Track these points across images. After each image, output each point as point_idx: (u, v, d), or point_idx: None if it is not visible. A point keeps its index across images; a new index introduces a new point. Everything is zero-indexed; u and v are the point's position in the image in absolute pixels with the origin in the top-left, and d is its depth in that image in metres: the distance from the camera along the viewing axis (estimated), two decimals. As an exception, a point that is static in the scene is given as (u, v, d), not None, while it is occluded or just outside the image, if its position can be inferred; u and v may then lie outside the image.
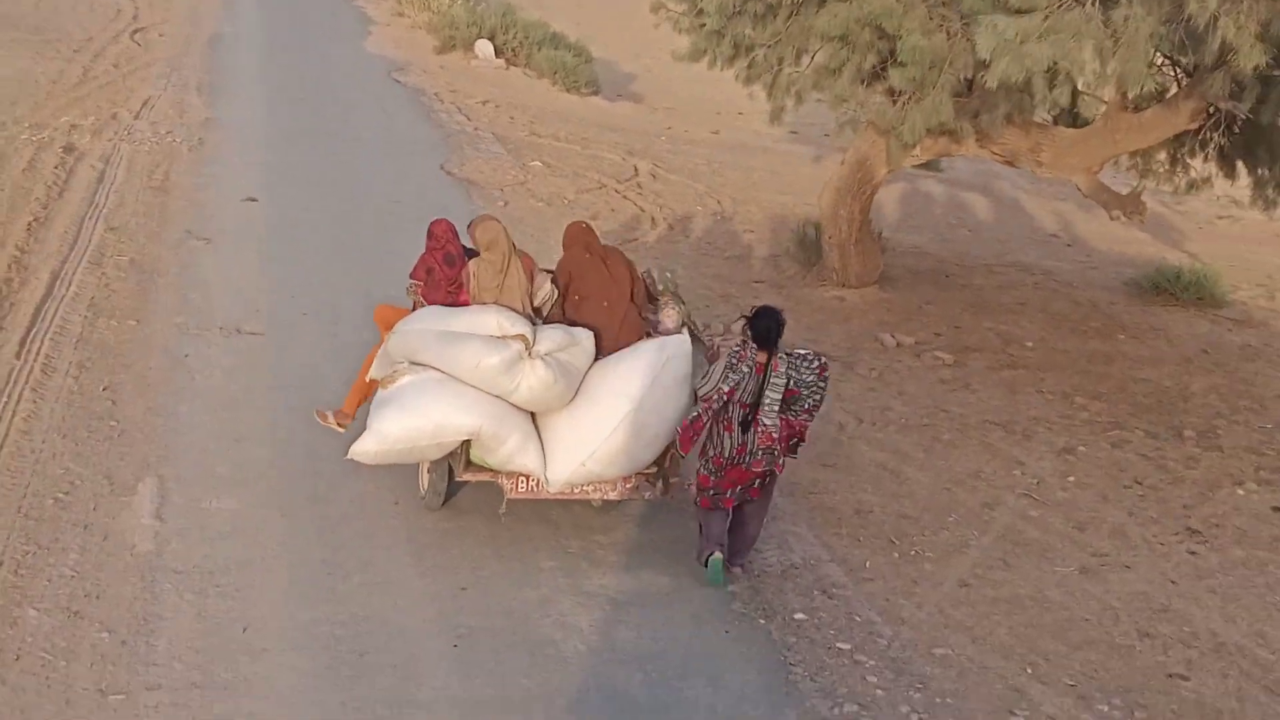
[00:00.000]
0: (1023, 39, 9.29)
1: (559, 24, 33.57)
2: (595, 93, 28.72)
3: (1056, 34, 9.30)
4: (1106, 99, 13.39)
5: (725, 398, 8.73)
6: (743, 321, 9.04)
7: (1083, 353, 14.18)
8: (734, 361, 8.76)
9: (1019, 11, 9.67)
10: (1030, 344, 14.28)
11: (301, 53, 28.82)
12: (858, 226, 15.00)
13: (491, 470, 9.15)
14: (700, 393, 8.89)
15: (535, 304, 9.66)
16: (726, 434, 8.81)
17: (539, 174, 20.01)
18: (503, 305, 9.38)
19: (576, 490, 9.21)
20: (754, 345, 8.78)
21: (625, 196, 19.27)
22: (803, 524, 10.03)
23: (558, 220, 17.27)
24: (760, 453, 8.76)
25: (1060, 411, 12.58)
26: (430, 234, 9.92)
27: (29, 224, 14.76)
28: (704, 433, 8.88)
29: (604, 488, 9.27)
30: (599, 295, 9.59)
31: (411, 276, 9.98)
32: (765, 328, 8.80)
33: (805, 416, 8.93)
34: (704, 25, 13.43)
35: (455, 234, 9.88)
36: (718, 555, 8.92)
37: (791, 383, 8.78)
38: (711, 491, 8.94)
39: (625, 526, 9.71)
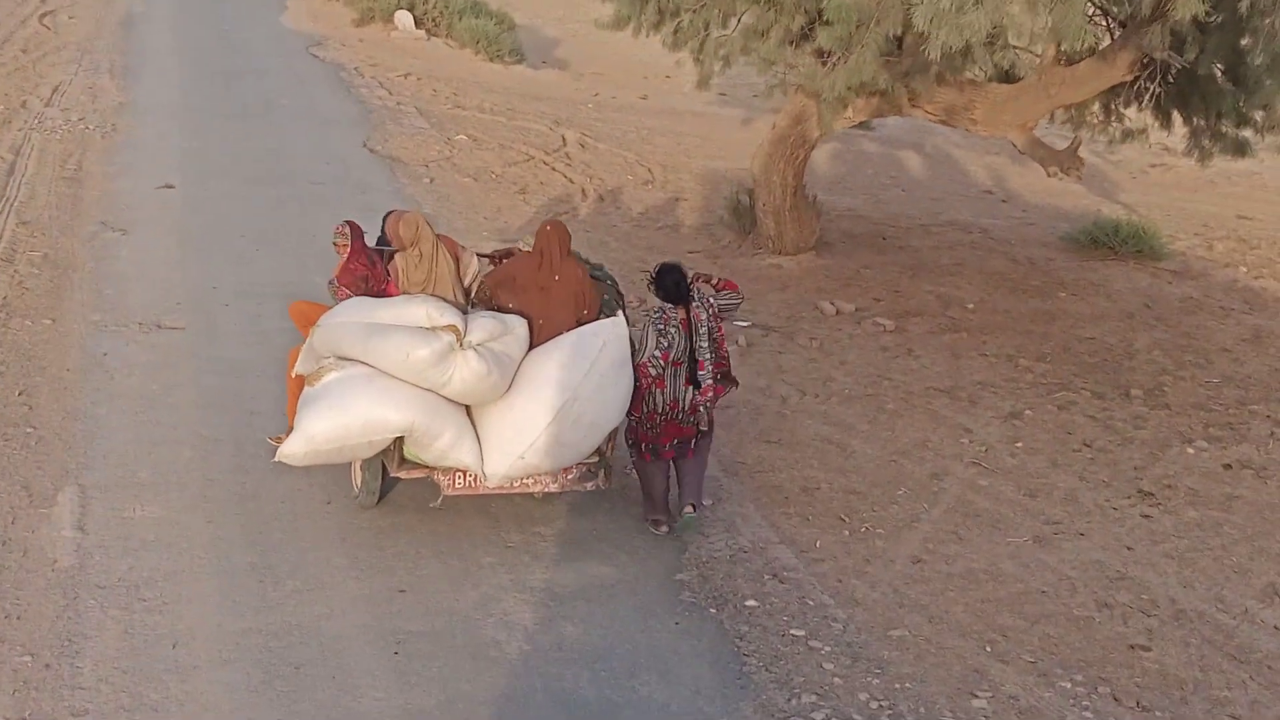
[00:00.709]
0: (959, 8, 9.00)
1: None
2: (519, 61, 28.25)
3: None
4: (1039, 54, 13.15)
5: (663, 362, 8.86)
6: (651, 285, 9.18)
7: (1024, 312, 13.99)
8: (660, 325, 8.92)
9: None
10: (971, 306, 14.07)
11: (217, 31, 28.15)
12: (792, 191, 14.72)
13: (426, 466, 8.80)
14: (637, 361, 8.87)
15: (465, 284, 9.32)
16: (659, 390, 8.94)
17: (465, 148, 19.60)
18: (434, 295, 9.04)
19: (516, 484, 8.88)
20: (669, 304, 8.97)
21: (554, 168, 18.91)
22: (749, 504, 9.76)
23: (485, 196, 16.99)
24: (694, 410, 9.03)
25: (1005, 375, 12.39)
26: (337, 235, 9.65)
27: (-65, 220, 14.26)
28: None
29: (544, 480, 8.94)
30: (535, 287, 9.22)
31: (337, 279, 9.62)
32: (673, 283, 9.02)
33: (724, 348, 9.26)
34: (628, -10, 13.07)
35: (360, 232, 9.69)
36: (689, 513, 9.05)
37: (711, 319, 9.05)
38: (650, 445, 9.08)
39: (567, 517, 9.39)
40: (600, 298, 9.37)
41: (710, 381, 8.97)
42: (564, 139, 20.82)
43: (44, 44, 24.96)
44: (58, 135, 18.26)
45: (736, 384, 9.53)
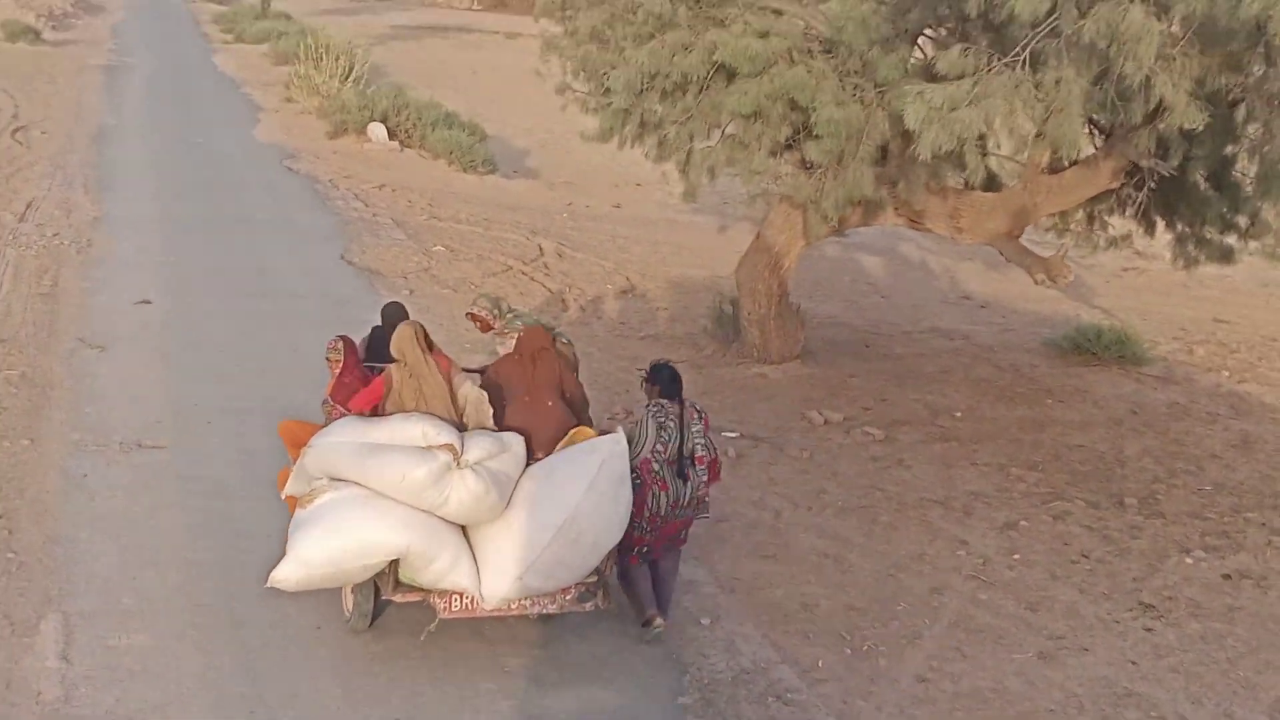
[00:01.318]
0: (952, 106, 8.99)
1: (450, 101, 33.25)
2: (492, 171, 28.32)
3: (987, 99, 9.01)
4: (1023, 160, 13.21)
5: (662, 457, 8.88)
6: (645, 383, 9.34)
7: (1012, 420, 13.92)
8: (661, 420, 8.98)
9: (944, 79, 9.38)
10: (959, 414, 14.00)
11: (190, 143, 28.14)
12: (776, 301, 14.69)
13: (422, 590, 8.61)
14: (638, 458, 8.83)
15: (459, 407, 9.14)
16: (662, 492, 8.88)
17: (443, 259, 19.53)
18: (423, 401, 8.90)
19: (514, 605, 8.68)
20: (665, 399, 9.09)
21: (533, 278, 18.84)
22: (749, 623, 9.57)
23: (464, 308, 16.80)
24: (693, 502, 9.07)
25: (997, 484, 12.28)
26: (329, 352, 9.56)
27: (-90, 341, 14.04)
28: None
29: (542, 601, 8.74)
30: (523, 393, 9.16)
31: (331, 396, 9.47)
32: (670, 378, 9.21)
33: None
34: (610, 104, 13.04)
35: (354, 346, 9.60)
36: (660, 626, 9.05)
37: (701, 414, 9.24)
38: (645, 549, 9.04)
39: (565, 639, 9.17)
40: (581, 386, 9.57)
41: (702, 473, 9.04)
42: (541, 249, 20.78)
43: (17, 159, 24.87)
44: (33, 251, 18.10)
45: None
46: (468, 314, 10.58)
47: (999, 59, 9.40)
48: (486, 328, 10.50)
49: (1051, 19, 8.99)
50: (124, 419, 12.46)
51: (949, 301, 19.80)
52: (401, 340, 9.06)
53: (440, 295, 17.52)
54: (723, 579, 10.20)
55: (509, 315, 10.58)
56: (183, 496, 10.96)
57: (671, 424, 8.96)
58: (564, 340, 10.29)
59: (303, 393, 12.97)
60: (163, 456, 11.71)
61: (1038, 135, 9.65)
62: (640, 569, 9.14)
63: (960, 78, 9.21)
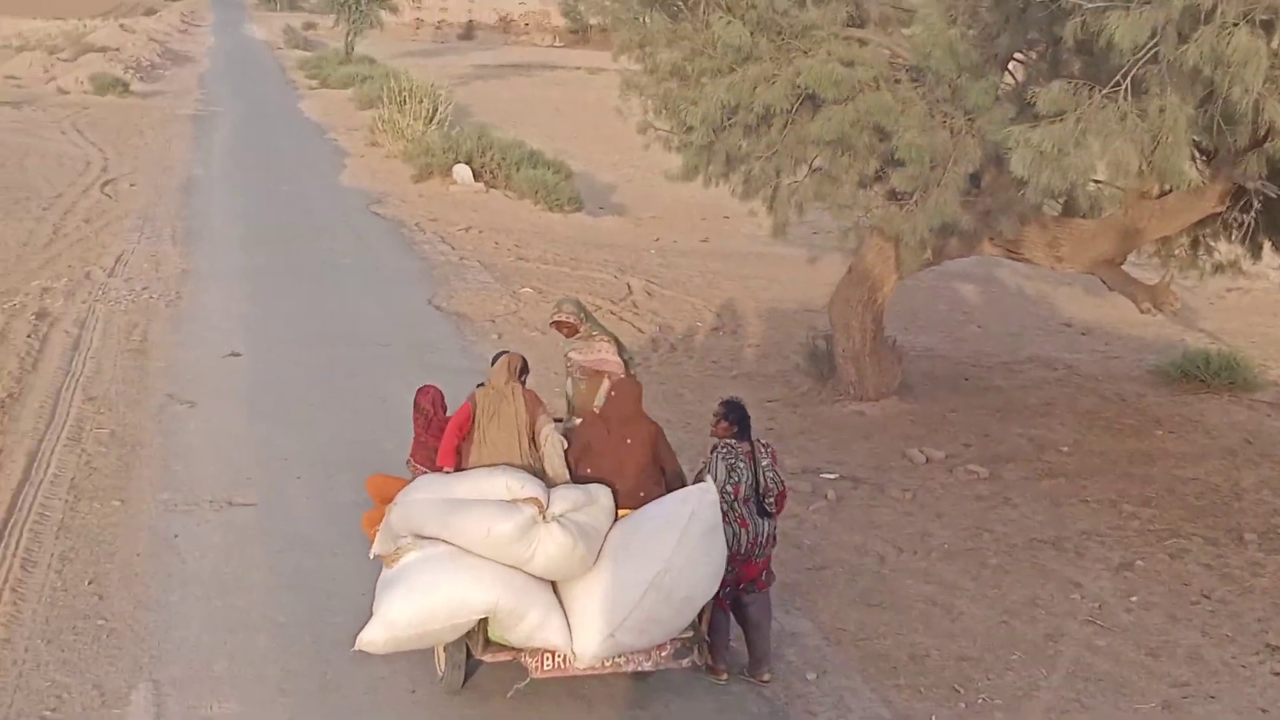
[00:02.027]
0: (1059, 148, 8.59)
1: (534, 139, 33.17)
2: (578, 209, 28.18)
3: (1096, 137, 8.60)
4: (1123, 186, 12.76)
5: (733, 497, 8.74)
6: (722, 422, 9.07)
7: (1121, 454, 13.43)
8: (731, 460, 8.86)
9: (1043, 116, 8.96)
10: (1065, 448, 13.53)
11: (277, 191, 28.28)
12: (871, 336, 14.31)
13: (513, 649, 8.34)
14: None
15: (537, 444, 8.80)
16: (742, 529, 8.76)
17: (530, 301, 19.34)
18: (498, 438, 8.66)
19: (607, 663, 8.38)
20: (733, 439, 8.95)
21: (621, 318, 18.57)
22: (856, 676, 9.20)
23: (554, 351, 16.49)
24: (770, 539, 8.95)
25: (1109, 522, 11.81)
26: (416, 405, 9.35)
27: (1, 401, 14.00)
28: None
29: (637, 658, 8.44)
30: (608, 451, 8.82)
31: (412, 458, 9.26)
32: (742, 417, 9.05)
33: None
34: (693, 141, 12.76)
35: (442, 401, 9.41)
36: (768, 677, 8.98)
37: (769, 452, 9.12)
38: (728, 589, 8.81)
39: (664, 696, 8.83)
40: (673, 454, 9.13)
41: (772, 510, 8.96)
42: (629, 287, 20.55)
43: (106, 213, 25.04)
44: (122, 306, 18.13)
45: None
46: (553, 322, 10.21)
47: (1099, 90, 8.97)
48: (573, 331, 10.17)
49: (1151, 44, 8.58)
50: (213, 476, 12.34)
51: (1049, 329, 19.30)
52: (496, 366, 9.01)
53: (529, 339, 17.30)
54: (827, 629, 9.84)
55: (589, 323, 10.28)
56: (271, 555, 10.78)
57: (741, 464, 8.84)
58: (633, 366, 10.12)
59: (390, 443, 12.82)
60: (252, 515, 11.55)
61: (1143, 166, 9.18)
62: (723, 614, 8.93)
63: (1060, 115, 8.78)
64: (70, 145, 33.34)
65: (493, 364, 9.60)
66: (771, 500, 8.89)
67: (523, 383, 9.03)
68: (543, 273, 21.38)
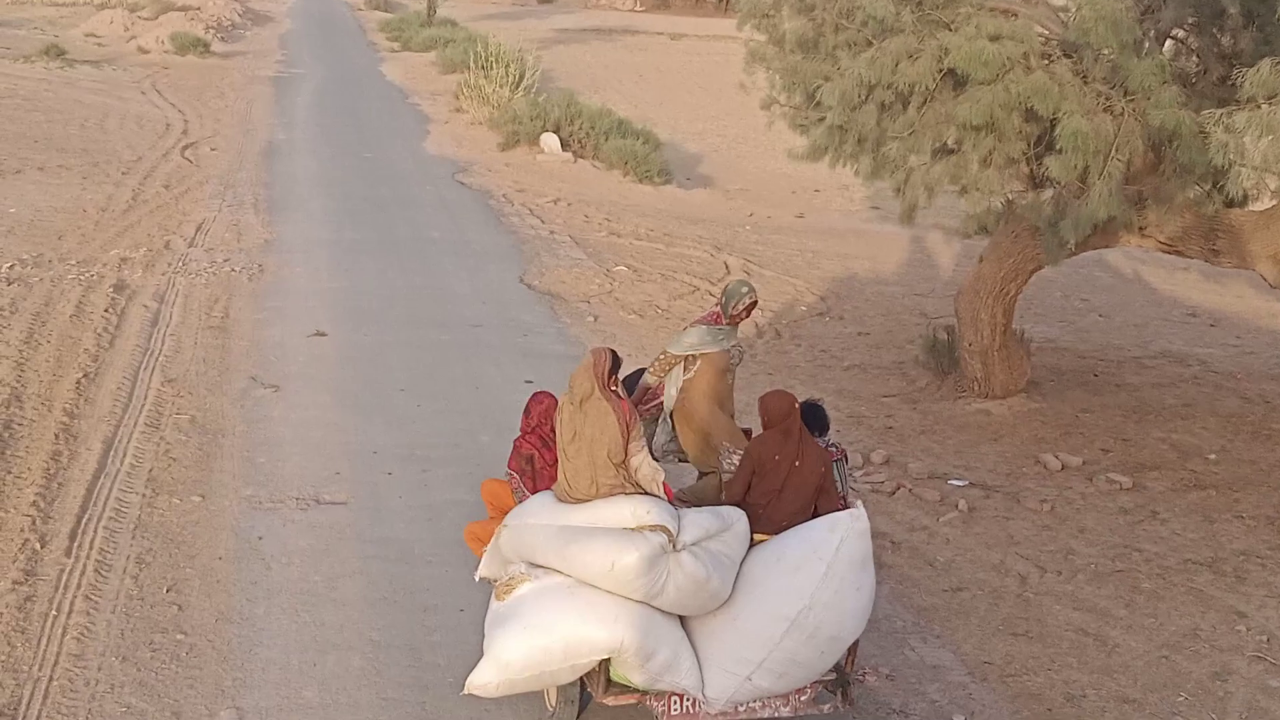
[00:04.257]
0: (1272, 134, 7.58)
1: (618, 106, 32.29)
2: (667, 181, 27.34)
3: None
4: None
5: None
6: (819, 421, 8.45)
7: (1273, 463, 12.38)
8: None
9: (1241, 101, 7.95)
10: (1212, 456, 12.50)
11: (360, 158, 27.51)
12: (1001, 330, 13.30)
13: (637, 691, 7.49)
14: None
15: (628, 470, 7.69)
16: None
17: (625, 280, 18.46)
18: (577, 466, 7.60)
19: (741, 709, 7.52)
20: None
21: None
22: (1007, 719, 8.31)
23: (653, 334, 15.75)
24: None
25: (1269, 542, 10.80)
26: (527, 411, 8.41)
27: (78, 381, 13.25)
28: None
29: (774, 703, 7.57)
30: (780, 470, 7.87)
31: (509, 467, 8.40)
32: (816, 420, 8.38)
33: None
34: (824, 119, 11.79)
35: (547, 404, 8.43)
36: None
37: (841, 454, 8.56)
38: None
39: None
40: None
41: None
42: (727, 266, 19.63)
43: (187, 178, 24.34)
44: (202, 279, 17.38)
45: None
46: (745, 307, 9.11)
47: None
48: (747, 314, 9.17)
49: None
50: (299, 469, 11.56)
51: (1173, 320, 18.17)
52: (578, 371, 7.79)
53: (626, 321, 16.45)
54: (971, 663, 8.93)
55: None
56: (364, 562, 9.97)
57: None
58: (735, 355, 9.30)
59: (487, 434, 12.12)
60: (342, 514, 10.75)
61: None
62: None
63: (1273, 98, 7.76)
64: (150, 106, 32.74)
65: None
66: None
67: (614, 382, 7.84)
68: (636, 249, 20.48)
